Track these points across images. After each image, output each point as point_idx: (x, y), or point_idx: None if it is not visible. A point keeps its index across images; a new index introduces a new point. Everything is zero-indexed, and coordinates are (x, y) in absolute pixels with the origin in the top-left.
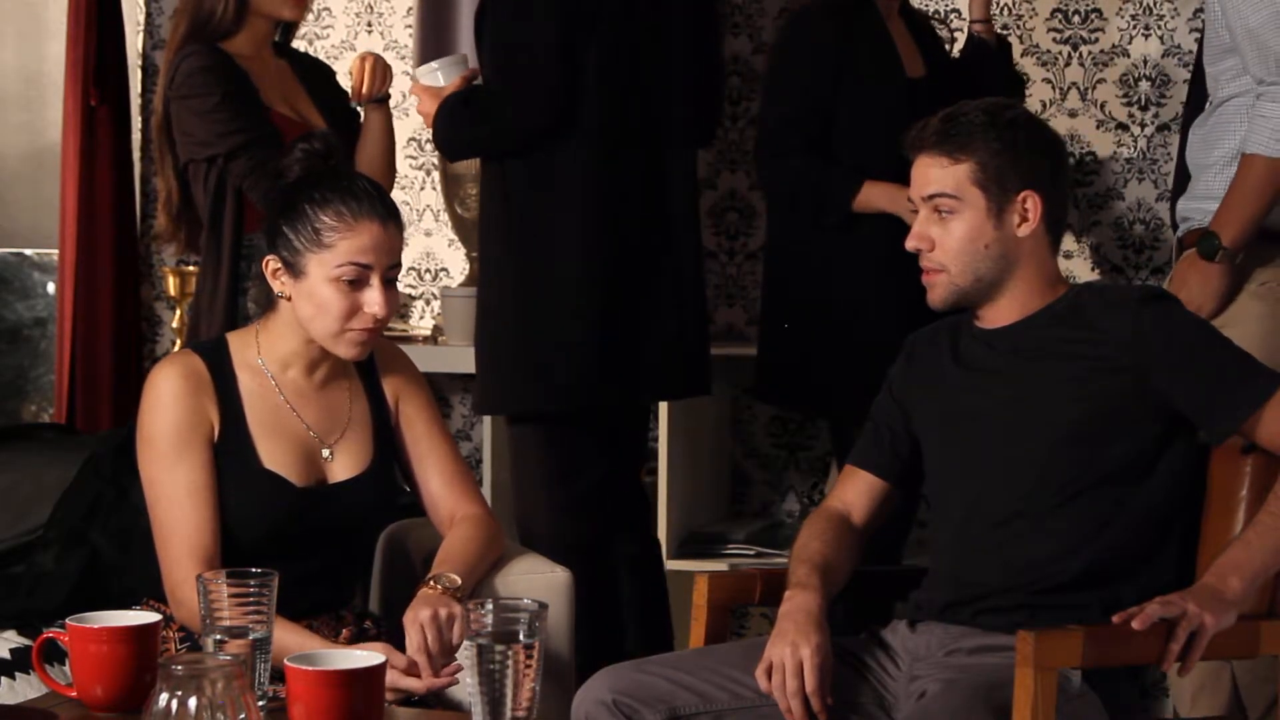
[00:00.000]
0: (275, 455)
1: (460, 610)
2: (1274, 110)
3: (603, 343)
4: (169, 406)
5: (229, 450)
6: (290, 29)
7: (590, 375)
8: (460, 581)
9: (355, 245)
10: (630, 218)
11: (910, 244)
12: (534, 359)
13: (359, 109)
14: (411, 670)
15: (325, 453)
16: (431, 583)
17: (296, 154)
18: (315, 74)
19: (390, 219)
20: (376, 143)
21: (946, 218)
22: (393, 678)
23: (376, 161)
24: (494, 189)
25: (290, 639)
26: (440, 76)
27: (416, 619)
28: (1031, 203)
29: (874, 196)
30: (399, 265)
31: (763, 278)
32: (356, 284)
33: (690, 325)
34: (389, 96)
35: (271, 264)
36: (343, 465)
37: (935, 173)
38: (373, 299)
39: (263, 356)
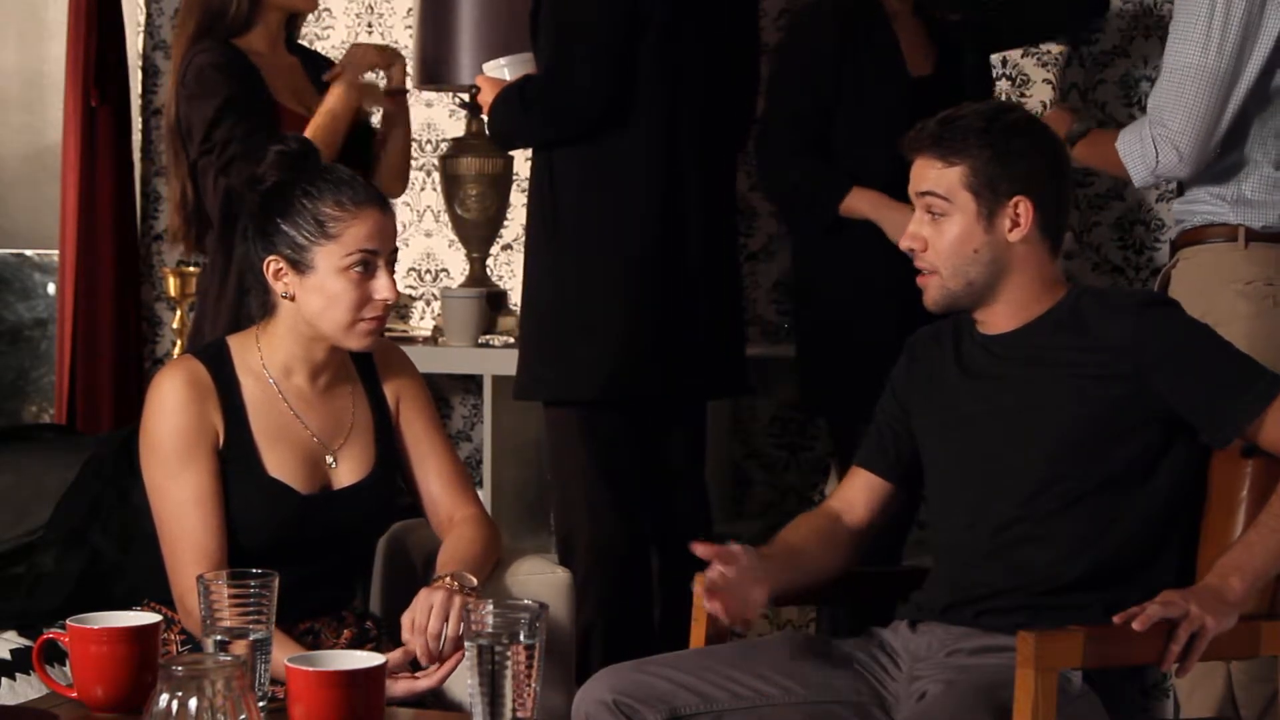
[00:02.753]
0: (280, 463)
1: (461, 600)
2: (1149, 134)
3: (645, 335)
4: (173, 414)
5: (234, 458)
6: (295, 26)
7: (629, 366)
8: (476, 581)
9: (362, 232)
10: (681, 214)
11: (904, 244)
12: (573, 347)
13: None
14: (404, 662)
15: (329, 459)
16: (449, 579)
17: (271, 157)
18: (323, 70)
19: (386, 203)
20: (401, 137)
21: (938, 219)
22: (407, 685)
23: (400, 156)
24: (540, 178)
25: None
26: (507, 73)
27: (418, 606)
28: (1023, 208)
29: (859, 203)
30: (397, 249)
31: (792, 276)
32: (366, 271)
33: (733, 323)
34: (407, 90)
35: (273, 265)
36: (347, 471)
37: (930, 173)
38: (383, 285)
39: (265, 362)
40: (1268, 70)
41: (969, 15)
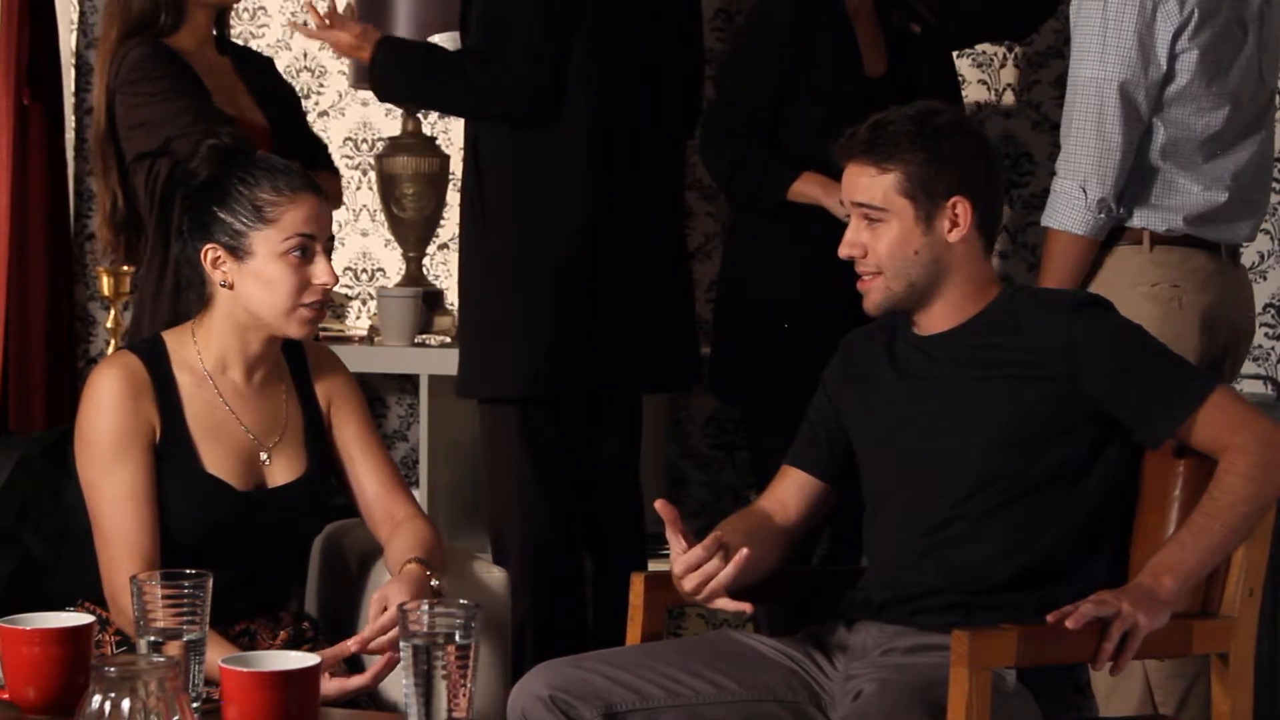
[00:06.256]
0: (216, 459)
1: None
2: (1061, 186)
3: (576, 331)
4: (109, 410)
5: (170, 454)
6: (224, 22)
7: (561, 363)
8: (444, 587)
9: (299, 216)
10: (611, 211)
11: (843, 252)
12: (505, 344)
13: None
14: (339, 659)
15: (264, 456)
16: (429, 572)
17: (204, 151)
18: (254, 66)
19: (320, 190)
20: None
21: (876, 225)
22: (340, 683)
23: None
24: (469, 176)
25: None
26: None
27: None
28: (962, 208)
29: (810, 187)
30: (333, 237)
31: (720, 270)
32: (304, 256)
33: (676, 318)
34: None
35: (211, 253)
36: (281, 469)
37: (863, 181)
38: (321, 269)
39: (201, 357)
40: (1167, 78)
41: (929, 24)
